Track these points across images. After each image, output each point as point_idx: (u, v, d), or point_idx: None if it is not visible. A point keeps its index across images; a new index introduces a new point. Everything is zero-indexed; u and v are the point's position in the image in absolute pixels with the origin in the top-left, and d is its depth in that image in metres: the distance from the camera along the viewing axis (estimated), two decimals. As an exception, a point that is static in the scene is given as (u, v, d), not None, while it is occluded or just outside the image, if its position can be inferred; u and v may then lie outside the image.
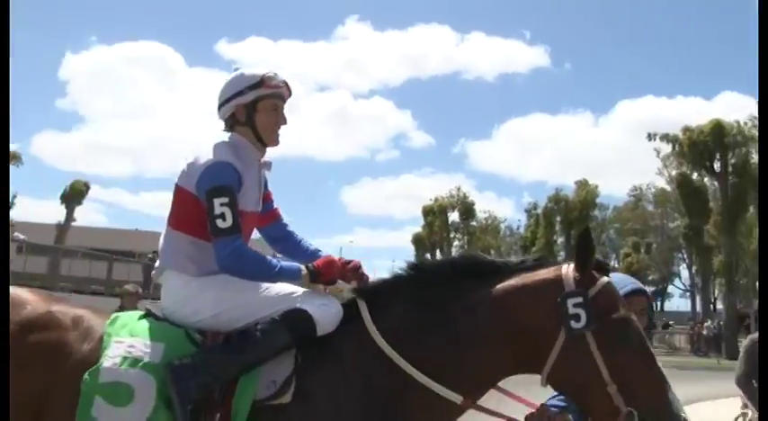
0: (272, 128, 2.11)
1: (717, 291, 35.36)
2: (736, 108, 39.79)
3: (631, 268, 34.07)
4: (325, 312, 1.89)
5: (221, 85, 2.12)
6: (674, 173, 30.44)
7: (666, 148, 28.35)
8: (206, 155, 2.01)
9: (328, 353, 1.89)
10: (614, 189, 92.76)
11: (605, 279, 1.88)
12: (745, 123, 26.33)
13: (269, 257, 2.03)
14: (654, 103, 63.18)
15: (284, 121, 2.13)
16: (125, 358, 1.81)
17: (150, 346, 1.85)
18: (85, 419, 1.75)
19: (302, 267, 2.01)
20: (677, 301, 46.79)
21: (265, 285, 1.95)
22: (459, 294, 1.92)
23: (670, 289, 45.42)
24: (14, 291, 1.98)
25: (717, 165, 25.66)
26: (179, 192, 2.06)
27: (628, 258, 39.99)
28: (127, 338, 1.87)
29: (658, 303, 44.97)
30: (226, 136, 2.11)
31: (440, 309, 1.92)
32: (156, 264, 2.13)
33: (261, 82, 2.06)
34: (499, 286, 1.90)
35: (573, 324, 1.78)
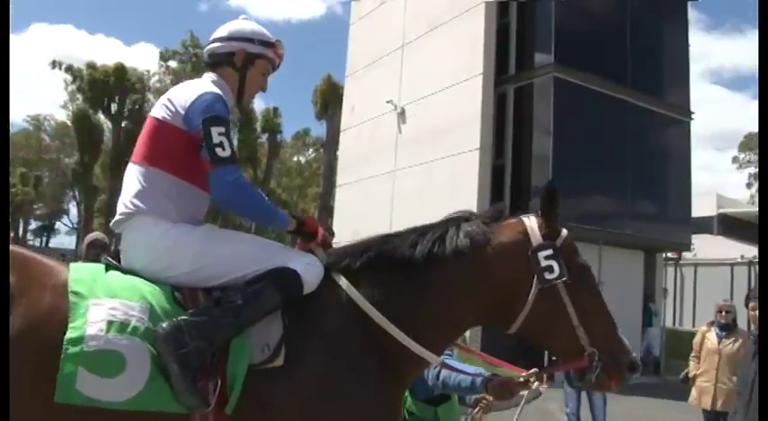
0: (255, 88, 2.12)
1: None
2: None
3: (15, 200, 32.78)
4: (311, 272, 1.88)
5: (229, 22, 2.13)
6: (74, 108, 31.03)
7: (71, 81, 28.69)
8: (191, 88, 1.94)
9: (311, 313, 1.88)
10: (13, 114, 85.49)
11: (564, 230, 2.04)
12: (148, 71, 29.87)
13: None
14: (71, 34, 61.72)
15: (264, 90, 2.14)
16: (110, 323, 1.67)
17: (135, 308, 1.71)
18: (68, 394, 1.58)
19: (288, 215, 2.00)
20: (63, 238, 47.77)
21: (248, 238, 1.98)
22: (430, 252, 1.96)
23: (58, 225, 45.92)
24: None
25: (114, 108, 27.77)
26: (160, 126, 1.93)
27: (13, 189, 38.22)
28: (106, 299, 1.71)
29: (44, 239, 44.87)
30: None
31: (414, 267, 1.96)
32: (122, 207, 1.94)
33: (273, 44, 2.11)
34: (471, 243, 1.97)
35: (547, 275, 1.93)
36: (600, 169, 11.67)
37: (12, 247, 1.78)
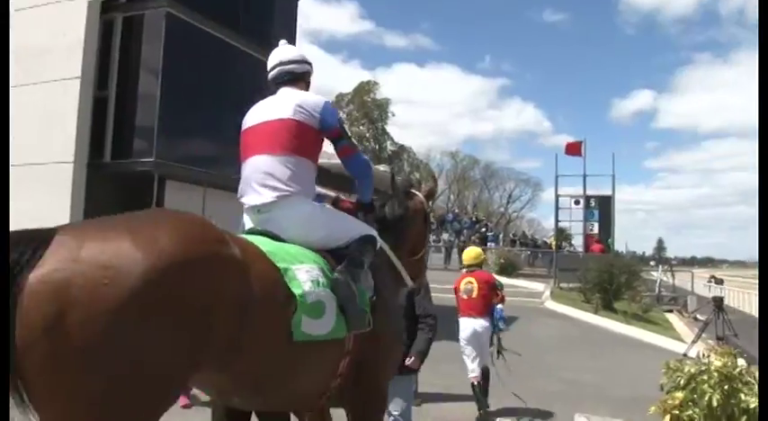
0: None
1: None
2: None
3: None
4: (376, 234, 2.99)
5: (292, 47, 3.28)
6: None
7: None
8: (311, 97, 2.93)
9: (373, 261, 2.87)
10: None
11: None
12: None
13: None
14: None
15: None
16: (313, 281, 2.48)
17: (315, 269, 2.55)
18: (300, 334, 2.35)
19: None
20: None
21: (342, 214, 3.07)
22: (395, 215, 3.35)
23: None
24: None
25: None
26: (298, 125, 2.79)
27: None
28: (298, 265, 2.49)
29: None
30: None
31: (392, 224, 3.30)
32: (274, 190, 2.71)
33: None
34: (411, 208, 3.48)
35: (430, 223, 3.86)
36: (208, 113, 12.24)
37: (217, 228, 2.25)
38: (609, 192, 22.94)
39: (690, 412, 4.43)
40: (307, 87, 3.12)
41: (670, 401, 4.62)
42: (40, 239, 1.83)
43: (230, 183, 13.88)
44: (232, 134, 12.52)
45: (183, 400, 5.64)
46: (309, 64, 3.18)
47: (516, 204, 64.19)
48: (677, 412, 4.49)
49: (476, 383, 6.47)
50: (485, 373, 6.57)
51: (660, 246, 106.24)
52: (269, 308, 2.27)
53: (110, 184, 11.08)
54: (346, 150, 2.97)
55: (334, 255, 2.76)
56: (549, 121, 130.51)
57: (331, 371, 2.61)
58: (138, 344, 1.79)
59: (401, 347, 3.47)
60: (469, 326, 6.57)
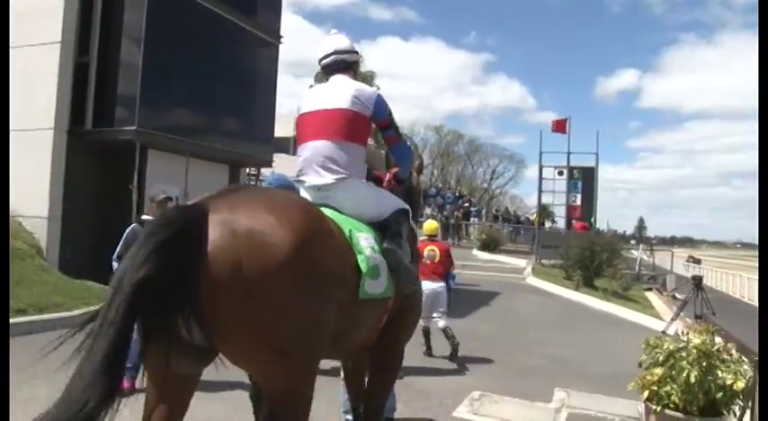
0: None
1: None
2: None
3: None
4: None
5: (342, 36, 3.49)
6: None
7: None
8: (365, 88, 3.30)
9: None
10: None
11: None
12: None
13: None
14: None
15: None
16: (371, 247, 2.92)
17: (371, 237, 3.00)
18: (364, 293, 2.77)
19: None
20: None
21: (382, 190, 3.49)
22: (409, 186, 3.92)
23: None
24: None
25: None
26: (354, 115, 3.18)
27: None
28: (359, 233, 2.91)
29: None
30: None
31: (407, 196, 3.75)
32: (333, 172, 3.13)
33: None
34: (415, 183, 4.07)
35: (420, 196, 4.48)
36: (191, 82, 12.11)
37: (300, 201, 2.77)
38: (591, 173, 23.02)
39: (668, 388, 4.57)
40: (355, 75, 3.48)
41: (649, 377, 4.76)
42: (196, 217, 2.19)
43: (213, 153, 13.84)
44: (215, 103, 12.47)
45: (126, 382, 5.07)
46: (358, 53, 3.54)
47: (499, 180, 64.57)
48: (655, 388, 4.63)
49: (445, 328, 7.75)
50: (426, 332, 7.86)
51: (641, 225, 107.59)
52: (349, 270, 2.70)
53: (91, 152, 10.97)
54: (393, 139, 3.45)
55: (377, 226, 3.19)
56: (534, 98, 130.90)
57: (376, 326, 3.07)
58: (299, 295, 2.27)
59: (420, 311, 3.82)
60: (431, 287, 7.53)
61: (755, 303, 26.69)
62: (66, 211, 10.44)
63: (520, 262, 20.53)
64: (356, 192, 3.19)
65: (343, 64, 3.41)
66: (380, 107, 3.28)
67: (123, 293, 1.97)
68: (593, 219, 22.71)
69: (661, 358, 4.85)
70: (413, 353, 6.68)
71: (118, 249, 5.40)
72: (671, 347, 4.87)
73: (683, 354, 4.64)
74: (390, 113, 3.35)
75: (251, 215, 2.26)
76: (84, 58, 11.08)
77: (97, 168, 11.05)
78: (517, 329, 10.52)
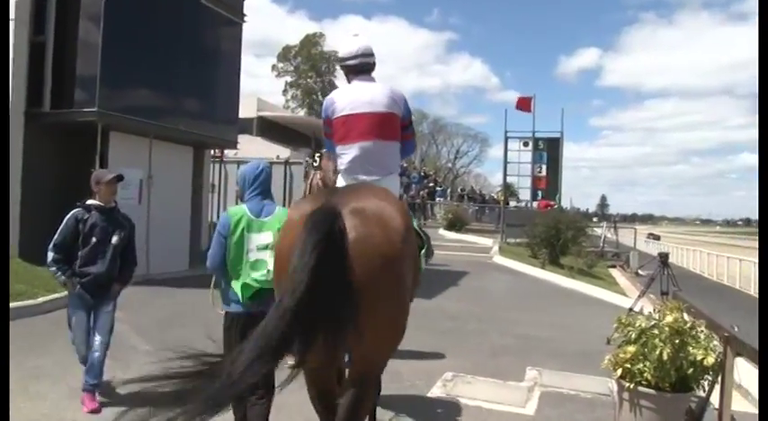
0: None
1: None
2: None
3: None
4: None
5: (363, 38, 3.83)
6: None
7: None
8: (395, 90, 3.70)
9: None
10: None
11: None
12: None
13: None
14: None
15: None
16: (418, 226, 3.71)
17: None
18: (421, 268, 3.38)
19: None
20: None
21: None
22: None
23: None
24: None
25: None
26: (392, 116, 3.63)
27: None
28: None
29: None
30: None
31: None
32: (378, 169, 3.60)
33: None
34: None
35: None
36: (153, 61, 11.80)
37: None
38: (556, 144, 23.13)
39: (640, 365, 4.68)
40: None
41: (622, 355, 4.86)
42: (334, 216, 2.59)
43: (177, 135, 13.56)
44: (179, 83, 12.15)
45: (90, 405, 4.67)
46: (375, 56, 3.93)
47: (464, 160, 64.92)
48: (628, 366, 4.74)
49: None
50: None
51: (603, 203, 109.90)
52: (415, 252, 3.14)
53: (49, 135, 10.65)
54: (408, 136, 3.84)
55: None
56: (497, 77, 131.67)
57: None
58: (409, 272, 2.87)
59: None
60: None
61: (715, 278, 27.62)
62: (25, 196, 10.14)
63: (486, 241, 20.77)
64: (394, 185, 3.71)
65: (367, 66, 3.77)
66: (407, 108, 3.76)
67: (304, 284, 2.34)
68: (557, 196, 23.01)
69: (633, 336, 4.96)
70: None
71: (56, 237, 4.80)
72: (643, 325, 4.99)
73: (656, 332, 4.75)
74: (410, 113, 3.86)
75: (376, 206, 2.77)
76: (40, 36, 10.68)
77: (57, 151, 10.73)
78: (487, 308, 10.67)
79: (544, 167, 22.89)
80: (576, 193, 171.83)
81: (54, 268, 4.77)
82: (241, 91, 15.41)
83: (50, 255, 4.76)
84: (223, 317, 3.89)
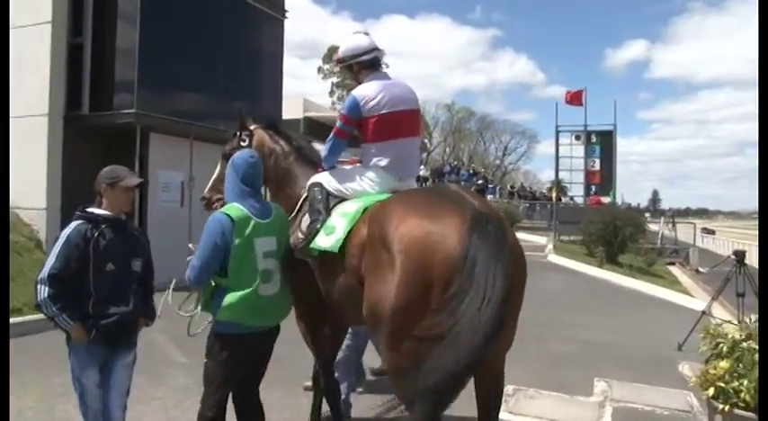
0: None
1: None
2: None
3: None
4: None
5: (366, 34, 3.81)
6: None
7: None
8: (413, 89, 3.74)
9: None
10: None
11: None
12: None
13: None
14: None
15: None
16: None
17: None
18: None
19: None
20: None
21: None
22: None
23: None
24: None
25: None
26: (419, 113, 3.77)
27: None
28: None
29: None
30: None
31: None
32: (417, 164, 3.92)
33: None
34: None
35: None
36: (192, 61, 11.48)
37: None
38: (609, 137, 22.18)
39: (735, 384, 3.98)
40: None
41: (713, 371, 4.16)
42: (500, 223, 2.69)
43: (218, 135, 13.25)
44: (218, 83, 11.80)
45: None
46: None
47: (512, 156, 63.61)
48: (722, 385, 4.03)
49: None
50: None
51: (655, 198, 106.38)
52: None
53: (89, 138, 10.41)
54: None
55: None
56: (543, 72, 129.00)
57: None
58: None
59: None
60: None
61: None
62: (66, 201, 9.91)
63: (540, 239, 19.88)
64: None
65: (379, 61, 3.76)
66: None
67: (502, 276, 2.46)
68: (612, 192, 21.98)
69: (725, 349, 4.26)
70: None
71: (53, 263, 3.17)
72: (736, 337, 4.28)
73: (753, 345, 4.05)
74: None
75: (436, 217, 2.72)
76: (78, 38, 10.47)
77: (96, 154, 10.44)
78: (545, 311, 9.92)
79: (597, 161, 21.97)
80: (627, 189, 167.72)
81: (52, 309, 3.14)
82: (287, 92, 15.05)
83: (43, 290, 3.15)
84: (211, 339, 3.19)
